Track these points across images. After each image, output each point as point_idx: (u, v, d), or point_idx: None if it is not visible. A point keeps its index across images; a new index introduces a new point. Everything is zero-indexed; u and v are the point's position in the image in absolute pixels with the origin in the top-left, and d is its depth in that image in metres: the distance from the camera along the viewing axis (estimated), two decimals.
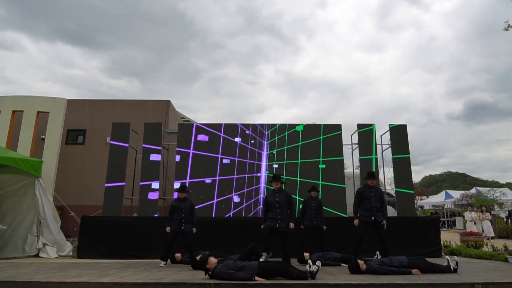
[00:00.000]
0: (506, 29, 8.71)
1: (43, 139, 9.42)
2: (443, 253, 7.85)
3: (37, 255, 7.81)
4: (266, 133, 9.39)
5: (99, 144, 12.09)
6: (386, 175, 9.93)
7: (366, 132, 9.26)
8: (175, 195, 7.81)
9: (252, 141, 9.30)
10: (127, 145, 8.98)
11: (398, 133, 9.17)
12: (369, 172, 6.60)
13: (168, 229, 6.43)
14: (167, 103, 12.70)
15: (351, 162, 10.61)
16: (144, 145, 9.07)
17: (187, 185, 8.56)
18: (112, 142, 9.02)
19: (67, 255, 8.08)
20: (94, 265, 6.30)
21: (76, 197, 10.71)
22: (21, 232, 8.03)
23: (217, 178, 9.00)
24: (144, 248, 7.61)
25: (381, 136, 9.79)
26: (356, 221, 6.01)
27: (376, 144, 9.43)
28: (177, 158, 9.10)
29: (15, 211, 8.12)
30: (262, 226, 6.02)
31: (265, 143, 9.32)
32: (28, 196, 8.11)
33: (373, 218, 5.91)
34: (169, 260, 6.57)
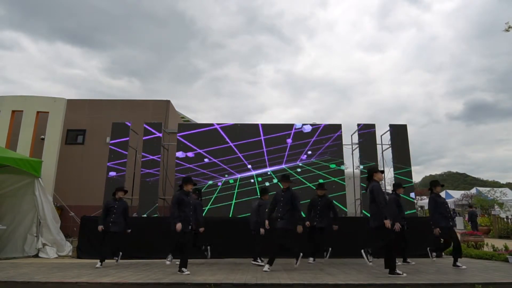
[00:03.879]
0: (507, 30, 8.70)
1: (43, 139, 9.42)
2: (443, 253, 7.83)
3: (36, 255, 7.80)
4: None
5: (99, 144, 12.07)
6: (387, 175, 9.89)
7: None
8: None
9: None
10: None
11: (398, 133, 9.18)
12: (319, 184, 7.33)
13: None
14: (167, 103, 12.69)
15: (351, 162, 10.59)
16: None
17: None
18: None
19: (67, 255, 8.07)
20: (94, 265, 6.28)
21: (75, 197, 10.70)
22: (21, 232, 8.02)
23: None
24: (144, 248, 7.59)
25: (381, 136, 9.78)
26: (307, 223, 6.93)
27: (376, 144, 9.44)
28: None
29: (14, 211, 8.11)
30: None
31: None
32: (27, 196, 8.10)
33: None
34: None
